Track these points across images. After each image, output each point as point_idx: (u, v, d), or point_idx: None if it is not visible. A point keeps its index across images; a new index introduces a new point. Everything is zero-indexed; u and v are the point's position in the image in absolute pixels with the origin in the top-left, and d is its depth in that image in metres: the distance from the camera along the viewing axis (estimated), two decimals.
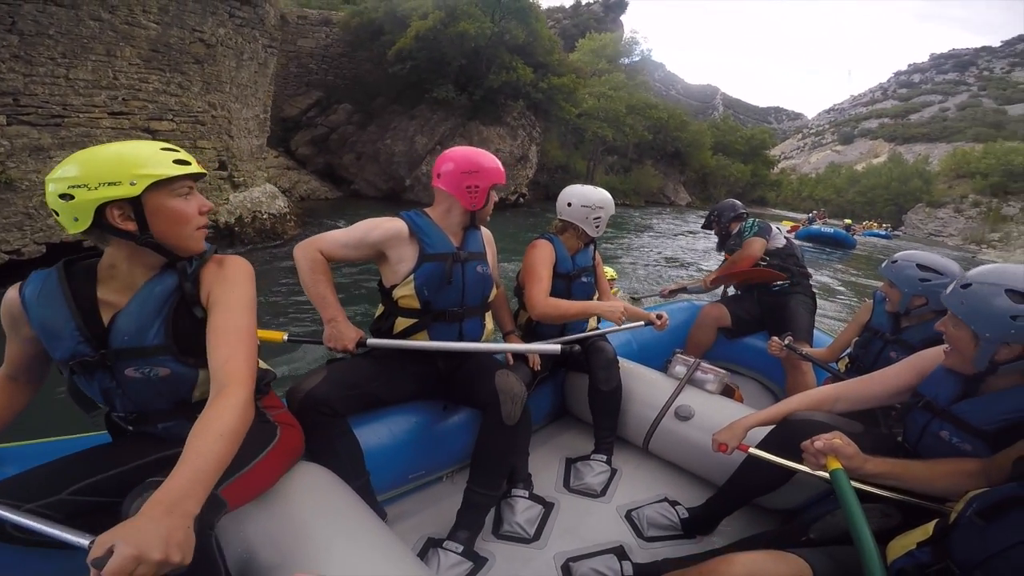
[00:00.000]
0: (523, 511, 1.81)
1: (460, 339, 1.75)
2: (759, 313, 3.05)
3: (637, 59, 38.20)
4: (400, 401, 1.77)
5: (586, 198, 2.15)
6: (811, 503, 1.75)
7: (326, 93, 20.14)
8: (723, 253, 3.32)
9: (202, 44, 7.75)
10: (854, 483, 1.15)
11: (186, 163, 1.06)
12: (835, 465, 1.15)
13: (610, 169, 33.52)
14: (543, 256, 2.07)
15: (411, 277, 1.63)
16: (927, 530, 1.06)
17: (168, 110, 7.31)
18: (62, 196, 0.95)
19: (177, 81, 7.40)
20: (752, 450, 1.43)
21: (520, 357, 2.02)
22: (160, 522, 0.73)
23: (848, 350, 2.30)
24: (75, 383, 1.10)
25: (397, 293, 1.66)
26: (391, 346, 1.65)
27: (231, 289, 1.11)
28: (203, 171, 1.11)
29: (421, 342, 1.65)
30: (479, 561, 1.60)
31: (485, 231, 1.88)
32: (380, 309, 1.75)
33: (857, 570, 0.95)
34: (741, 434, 1.48)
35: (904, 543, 1.08)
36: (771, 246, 3.02)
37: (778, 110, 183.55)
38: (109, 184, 0.95)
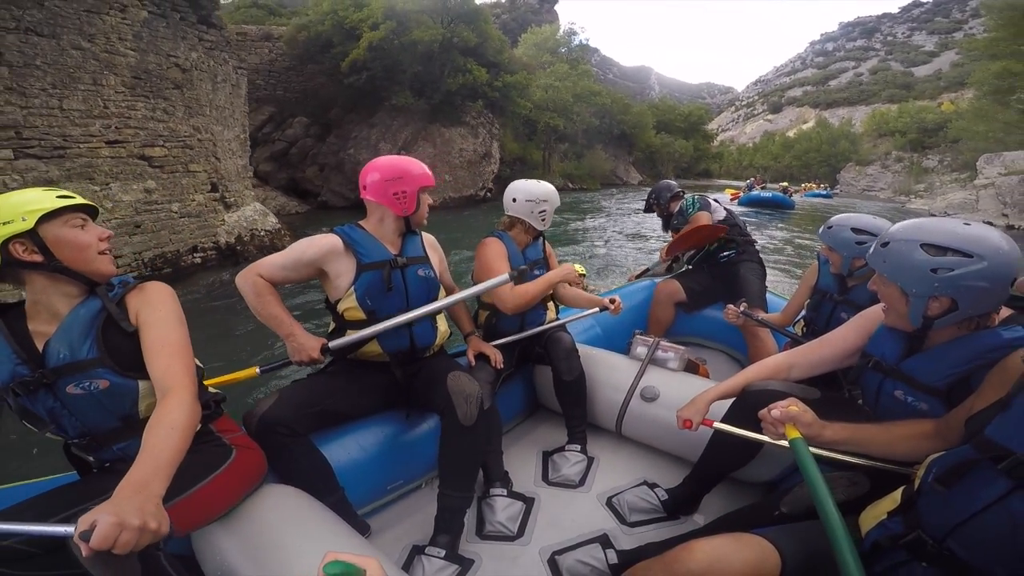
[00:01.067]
0: (503, 509, 1.80)
1: (411, 345, 1.75)
2: (711, 284, 3.11)
3: (576, 47, 39.21)
4: (363, 414, 1.76)
5: (530, 193, 2.17)
6: (788, 473, 1.76)
7: (278, 108, 19.89)
8: (669, 232, 3.41)
9: (178, 69, 7.82)
10: (819, 450, 1.13)
11: (70, 197, 1.17)
12: (794, 434, 1.11)
13: (564, 156, 34.48)
14: (496, 252, 2.08)
15: (352, 289, 1.65)
16: (895, 498, 1.05)
17: (158, 136, 7.39)
18: None
19: (162, 107, 7.47)
20: (717, 424, 1.41)
21: (482, 357, 2.02)
22: (131, 498, 0.83)
23: (802, 312, 2.35)
24: (22, 404, 1.14)
25: (341, 307, 1.67)
26: (353, 341, 1.65)
27: (157, 308, 1.19)
28: (89, 203, 1.21)
29: (383, 324, 1.64)
30: (464, 563, 1.60)
31: (428, 236, 1.88)
32: (331, 326, 1.77)
33: (828, 545, 0.92)
34: (704, 409, 1.45)
35: (875, 513, 1.07)
36: (713, 219, 3.11)
37: (710, 85, 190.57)
38: (3, 224, 1.07)
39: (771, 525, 1.14)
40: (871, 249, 1.25)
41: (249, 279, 1.61)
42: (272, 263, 1.63)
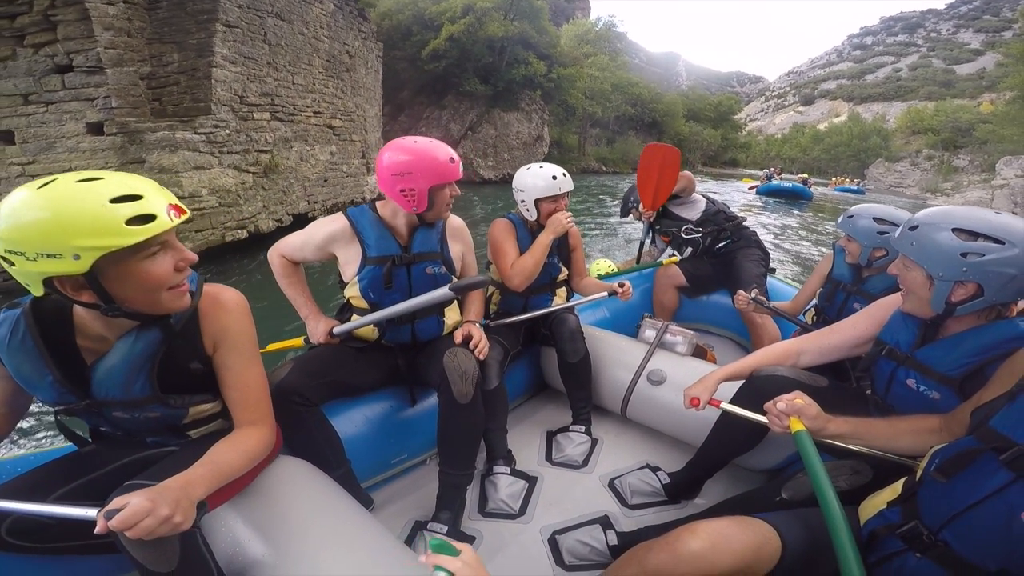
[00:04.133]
0: (506, 487, 1.81)
1: (413, 340, 1.74)
2: (711, 272, 3.09)
3: (611, 34, 40.61)
4: (370, 387, 1.76)
5: (516, 181, 2.14)
6: (791, 461, 1.75)
7: None
8: (655, 239, 3.43)
9: (347, 55, 10.12)
10: (824, 438, 1.15)
11: (148, 218, 0.86)
12: (798, 426, 1.11)
13: (597, 141, 36.51)
14: (502, 232, 2.10)
15: (356, 279, 1.62)
16: (896, 488, 1.05)
17: (338, 111, 9.74)
18: (2, 258, 0.83)
19: (340, 87, 9.81)
20: (724, 405, 1.39)
21: (491, 336, 1.95)
22: (173, 492, 0.86)
23: (814, 301, 2.33)
24: (62, 422, 1.08)
25: (348, 293, 1.67)
26: (355, 327, 1.65)
27: (240, 340, 1.09)
28: (175, 222, 0.90)
29: (381, 312, 1.60)
30: (466, 540, 1.61)
31: (453, 221, 1.77)
32: (344, 301, 1.76)
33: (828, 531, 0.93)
34: (712, 387, 1.45)
35: (875, 503, 1.07)
36: (692, 215, 3.07)
37: (740, 74, 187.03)
38: (48, 256, 0.80)
39: (773, 511, 1.15)
40: (898, 232, 1.24)
41: (274, 258, 1.67)
42: (291, 243, 1.65)
